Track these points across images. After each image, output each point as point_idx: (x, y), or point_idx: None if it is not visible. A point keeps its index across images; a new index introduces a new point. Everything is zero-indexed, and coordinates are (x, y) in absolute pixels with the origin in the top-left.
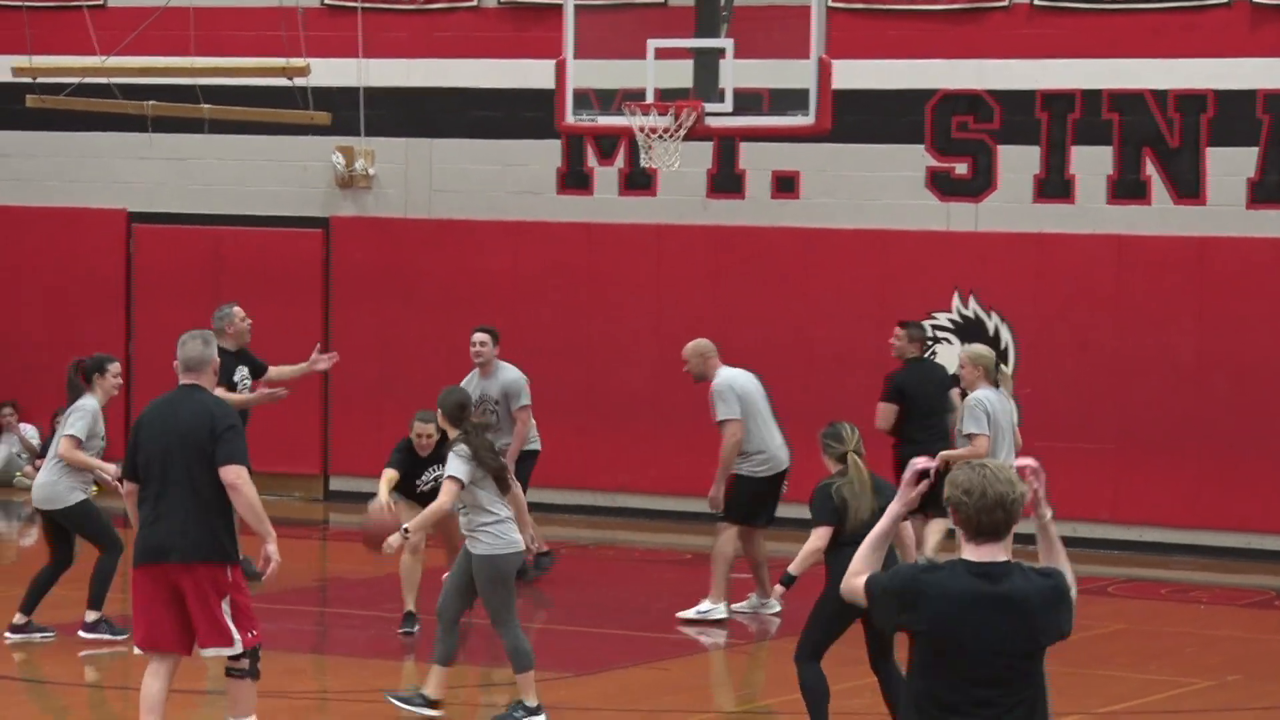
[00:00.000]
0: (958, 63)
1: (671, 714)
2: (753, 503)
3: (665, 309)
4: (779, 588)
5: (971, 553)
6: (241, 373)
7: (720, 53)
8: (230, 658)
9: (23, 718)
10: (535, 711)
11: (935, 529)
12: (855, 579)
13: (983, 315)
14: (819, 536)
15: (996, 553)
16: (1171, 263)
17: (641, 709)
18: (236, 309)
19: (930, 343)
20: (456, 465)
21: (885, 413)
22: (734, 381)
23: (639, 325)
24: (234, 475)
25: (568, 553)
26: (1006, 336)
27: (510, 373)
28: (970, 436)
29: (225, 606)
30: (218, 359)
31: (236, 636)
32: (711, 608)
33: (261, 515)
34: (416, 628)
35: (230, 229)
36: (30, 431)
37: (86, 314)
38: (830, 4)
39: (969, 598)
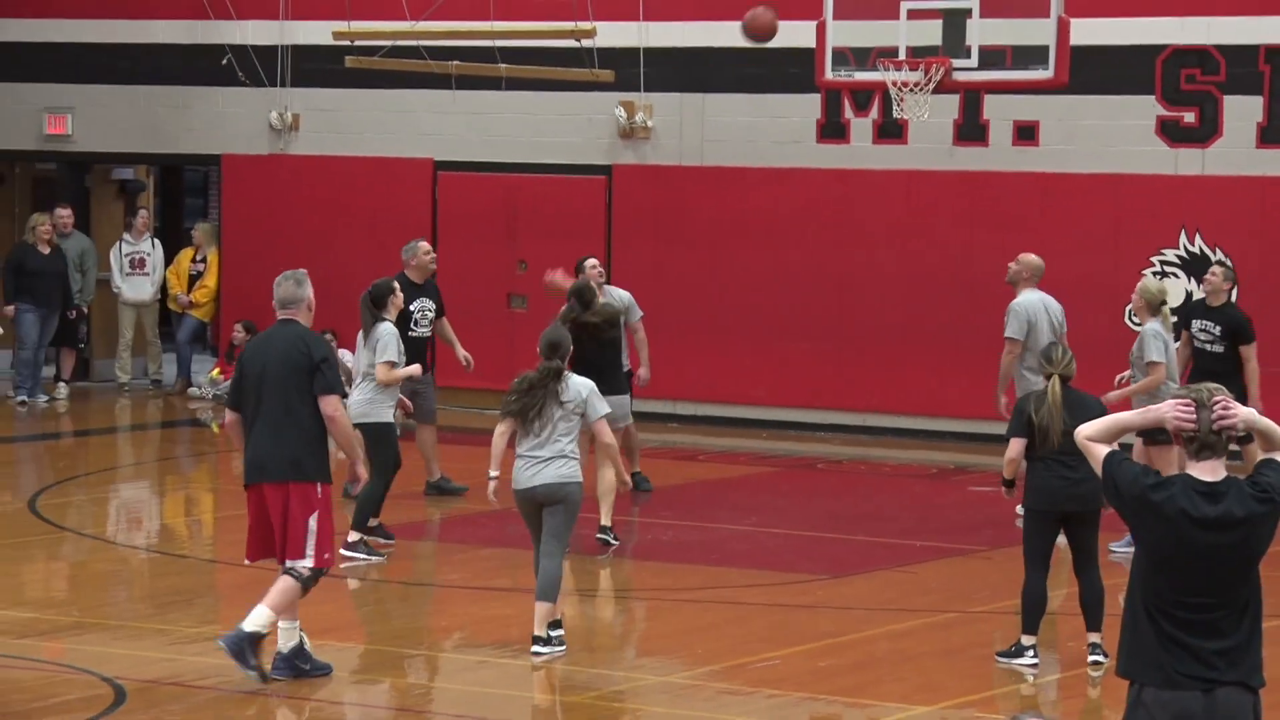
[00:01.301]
0: (1186, 20)
1: (920, 613)
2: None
3: (914, 248)
4: (1004, 491)
5: (1195, 469)
6: (423, 305)
7: (967, 12)
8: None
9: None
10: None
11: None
12: (1096, 447)
13: (1207, 251)
14: (1012, 447)
15: (1218, 469)
16: None
17: (892, 608)
18: (422, 244)
19: (1159, 275)
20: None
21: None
22: (1027, 304)
23: (890, 263)
24: (332, 407)
25: (824, 468)
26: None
27: (622, 291)
28: (1152, 364)
29: (313, 523)
30: (311, 296)
31: (311, 552)
32: None
33: (354, 442)
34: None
35: (523, 176)
36: (348, 357)
37: (397, 251)
38: None
39: (1192, 518)
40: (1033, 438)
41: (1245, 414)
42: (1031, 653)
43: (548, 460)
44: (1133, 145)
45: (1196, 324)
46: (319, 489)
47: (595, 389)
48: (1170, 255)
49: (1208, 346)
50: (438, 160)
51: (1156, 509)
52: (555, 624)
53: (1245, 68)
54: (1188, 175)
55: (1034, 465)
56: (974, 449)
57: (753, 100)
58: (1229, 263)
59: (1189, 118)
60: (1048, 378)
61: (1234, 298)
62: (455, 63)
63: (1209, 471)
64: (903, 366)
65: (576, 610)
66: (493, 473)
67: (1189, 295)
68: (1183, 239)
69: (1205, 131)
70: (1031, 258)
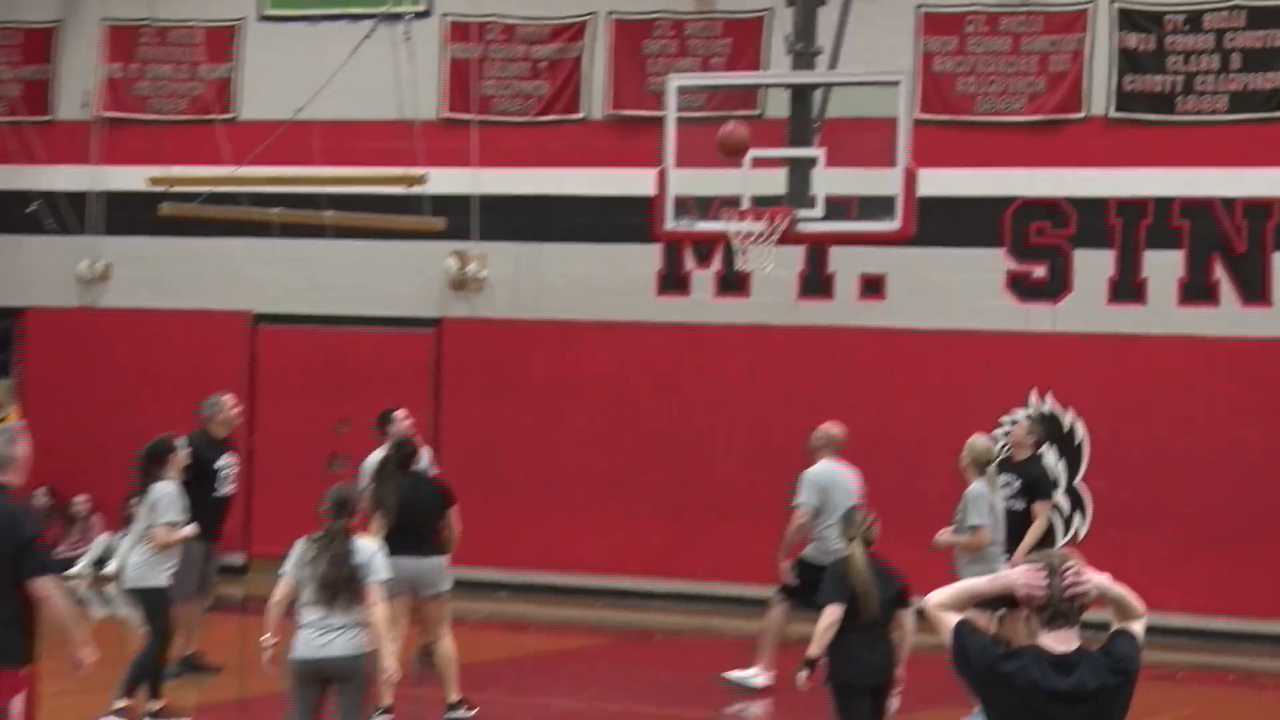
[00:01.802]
0: (1036, 172)
1: None
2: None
3: (758, 406)
4: (801, 673)
5: (1046, 639)
6: (228, 462)
7: (812, 162)
8: None
9: None
10: None
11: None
12: (945, 615)
13: (1058, 412)
14: (829, 614)
15: (1070, 639)
16: (1238, 363)
17: None
18: (226, 397)
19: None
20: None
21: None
22: (819, 474)
23: (733, 421)
24: (41, 589)
25: (662, 639)
26: (1081, 432)
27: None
28: (975, 528)
29: (14, 706)
30: (20, 455)
31: None
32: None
33: (70, 623)
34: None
35: (348, 330)
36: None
37: None
38: (916, 116)
39: (1043, 691)
40: (853, 605)
41: (1097, 581)
42: None
43: (339, 630)
44: (981, 300)
45: (999, 479)
46: (21, 671)
47: (380, 551)
48: (1020, 416)
49: (1008, 503)
50: (257, 313)
51: (1007, 680)
52: None
53: (1095, 221)
54: (1037, 332)
55: (847, 637)
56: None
57: (591, 250)
58: (1035, 416)
59: (1038, 272)
60: (849, 542)
61: (1040, 453)
62: (278, 210)
63: (1061, 641)
64: (745, 532)
65: None
66: (268, 639)
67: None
68: (1033, 398)
69: (1055, 287)
70: (827, 428)
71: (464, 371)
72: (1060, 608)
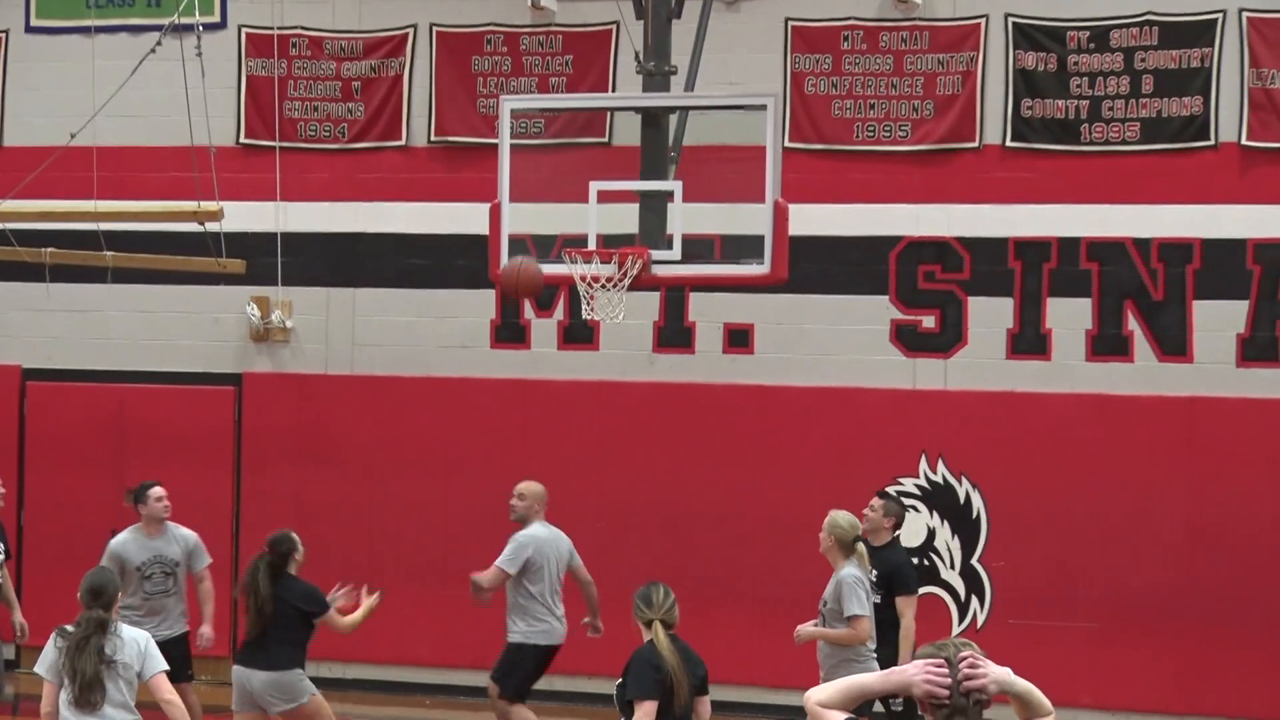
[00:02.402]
0: (924, 208)
1: None
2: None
3: (607, 472)
4: None
5: None
6: None
7: (668, 195)
8: None
9: None
10: None
11: None
12: (829, 715)
13: (952, 481)
14: (644, 711)
15: None
16: (1156, 424)
17: None
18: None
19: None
20: None
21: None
22: (534, 536)
23: (577, 488)
24: None
25: None
26: (978, 503)
27: (185, 530)
28: (854, 619)
29: None
30: None
31: None
32: None
33: None
34: None
35: (134, 386)
36: None
37: None
38: (787, 144)
39: None
40: (665, 699)
41: (997, 674)
42: None
43: None
44: (863, 354)
45: None
46: None
47: (152, 640)
48: (909, 484)
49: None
50: (26, 368)
51: None
52: None
53: (993, 264)
54: (927, 389)
55: None
56: None
57: (414, 297)
58: (889, 494)
59: (928, 322)
60: (647, 625)
61: (898, 537)
62: (49, 250)
63: None
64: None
65: None
66: None
67: (931, 533)
68: (923, 465)
69: (947, 338)
70: (535, 486)
71: (268, 434)
72: (959, 704)
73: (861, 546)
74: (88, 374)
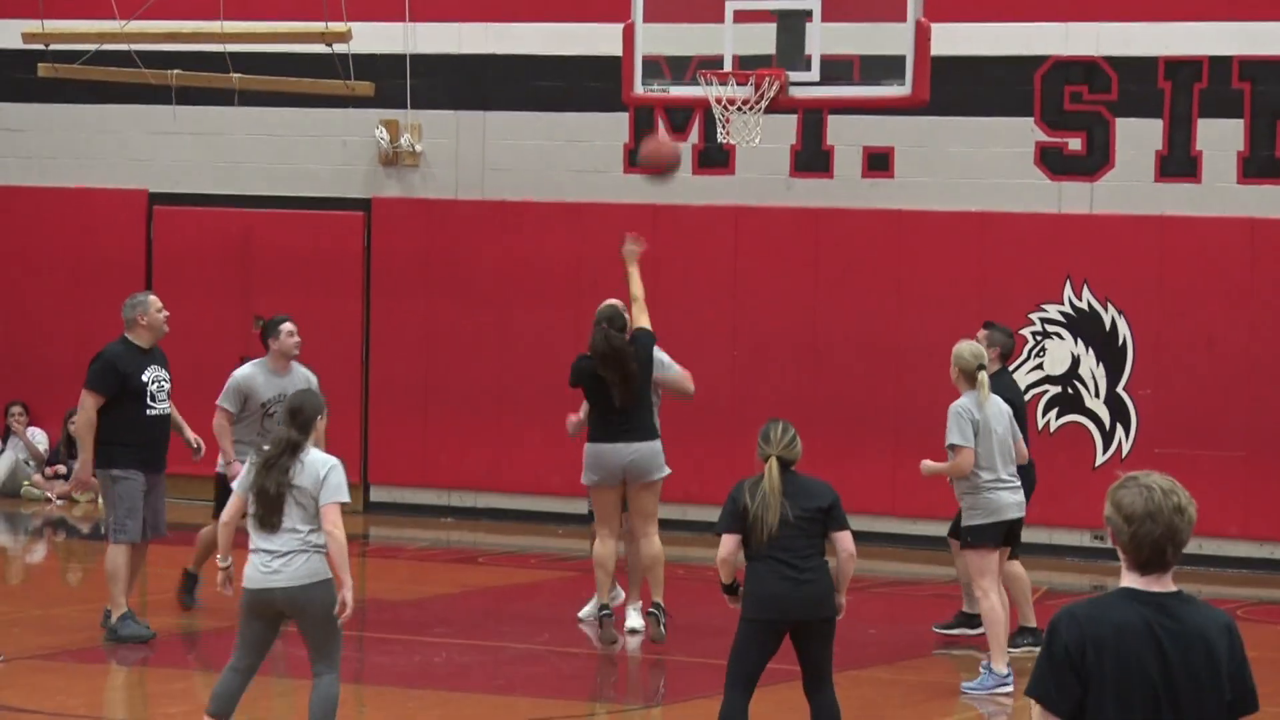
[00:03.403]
0: (1071, 26)
1: None
2: None
3: (743, 300)
4: (728, 598)
5: (1135, 581)
6: (157, 375)
7: (806, 15)
8: None
9: None
10: None
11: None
12: None
13: (1097, 307)
14: (723, 544)
15: (1165, 582)
16: None
17: None
18: (153, 297)
19: (1040, 338)
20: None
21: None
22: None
23: (714, 318)
24: None
25: None
26: (1124, 331)
27: (308, 370)
28: (953, 448)
29: None
30: None
31: None
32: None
33: None
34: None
35: (262, 211)
36: (39, 437)
37: (103, 305)
38: None
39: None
40: (748, 533)
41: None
42: None
43: (285, 556)
44: (1007, 177)
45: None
46: None
47: (339, 467)
48: (1053, 311)
49: None
50: (153, 192)
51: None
52: None
53: (1141, 84)
54: (1073, 214)
55: (751, 566)
56: None
57: (545, 120)
58: (993, 324)
59: (1074, 144)
60: (765, 460)
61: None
62: (176, 72)
63: (1155, 584)
64: (729, 446)
65: None
66: (221, 562)
67: (1075, 360)
68: (1068, 291)
69: (1094, 161)
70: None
71: (398, 261)
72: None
73: (983, 375)
74: (214, 198)
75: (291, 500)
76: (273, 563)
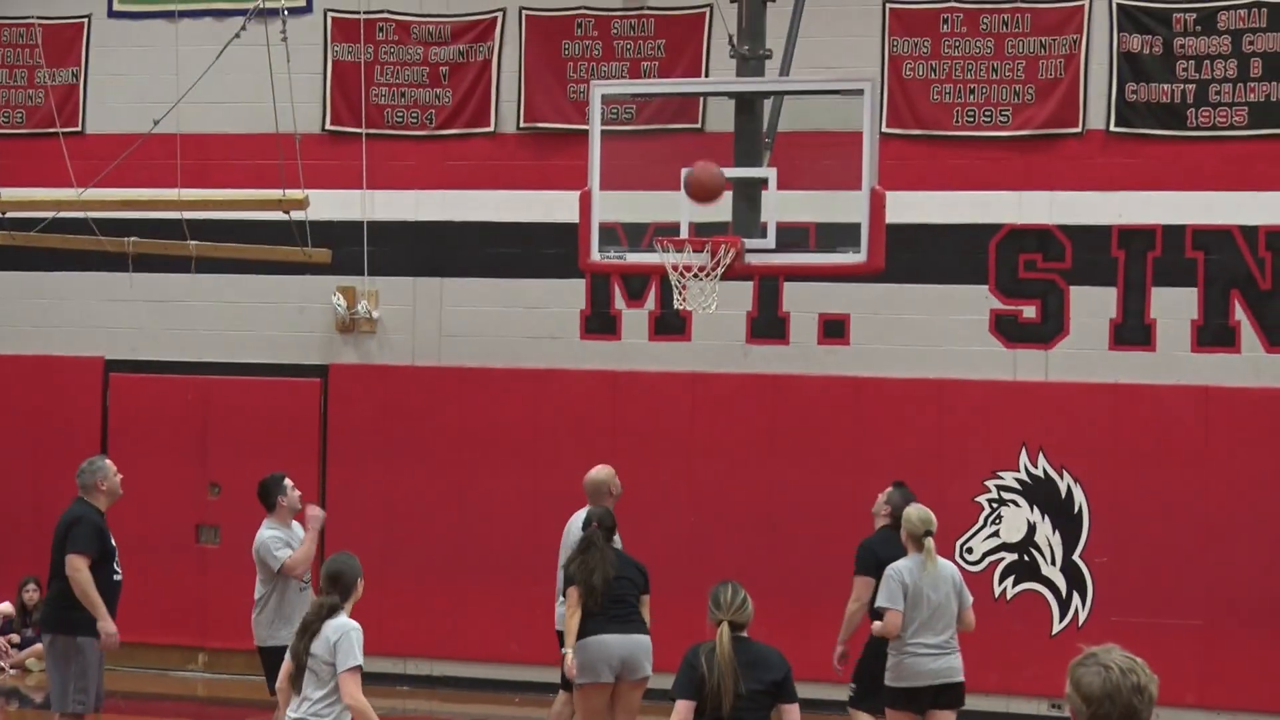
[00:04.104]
0: (1025, 194)
1: None
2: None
3: (699, 465)
4: None
5: None
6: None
7: (762, 183)
8: None
9: None
10: None
11: None
12: None
13: (1053, 475)
14: (676, 711)
15: None
16: (1264, 417)
17: None
18: (109, 463)
19: (996, 505)
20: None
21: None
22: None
23: (670, 483)
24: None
25: None
26: (1080, 498)
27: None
28: (881, 610)
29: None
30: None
31: None
32: None
33: None
34: None
35: (218, 378)
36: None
37: (59, 472)
38: (884, 129)
39: None
40: (703, 701)
41: None
42: None
43: None
44: (962, 345)
45: None
46: None
47: (353, 633)
48: (1009, 479)
49: None
50: (109, 359)
51: None
52: None
53: (1095, 253)
54: (1028, 381)
55: None
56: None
57: (502, 286)
58: (896, 484)
59: (1029, 312)
60: (717, 625)
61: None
62: (133, 239)
63: None
64: (686, 612)
65: None
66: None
67: (1031, 527)
68: (1023, 458)
69: (1049, 329)
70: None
71: (354, 428)
72: None
73: (929, 542)
74: (171, 365)
75: (309, 666)
76: None
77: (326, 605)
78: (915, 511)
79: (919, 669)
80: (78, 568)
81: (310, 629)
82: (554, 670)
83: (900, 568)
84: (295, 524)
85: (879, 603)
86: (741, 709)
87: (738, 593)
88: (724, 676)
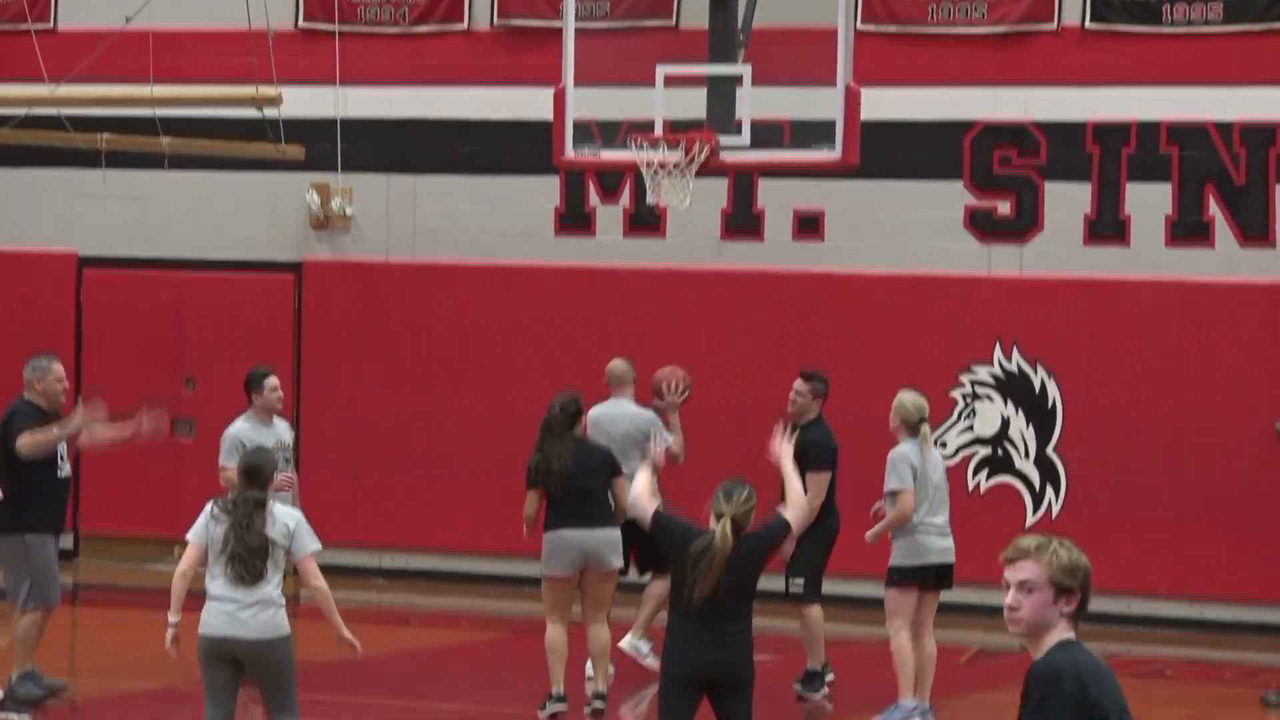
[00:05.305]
0: (1000, 90)
1: None
2: None
3: (673, 361)
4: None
5: (1071, 633)
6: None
7: (736, 79)
8: None
9: None
10: None
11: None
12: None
13: (1027, 369)
14: (643, 508)
15: None
16: (1238, 310)
17: None
18: (57, 365)
19: (970, 399)
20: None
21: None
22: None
23: (644, 379)
24: None
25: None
26: (1054, 392)
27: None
28: (894, 493)
29: None
30: None
31: None
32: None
33: None
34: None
35: (191, 274)
36: None
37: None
38: (859, 26)
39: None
40: (677, 579)
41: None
42: None
43: (251, 607)
44: (936, 240)
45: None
46: None
47: (304, 520)
48: (983, 373)
49: None
50: (83, 255)
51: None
52: None
53: (1070, 148)
54: (1003, 276)
55: (674, 622)
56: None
57: (476, 183)
58: (813, 371)
59: (1003, 207)
60: (718, 518)
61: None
62: (105, 135)
63: None
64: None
65: None
66: (172, 617)
67: (1005, 421)
68: (998, 352)
69: (1023, 224)
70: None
71: (328, 323)
72: None
73: (925, 428)
74: (144, 261)
75: (257, 554)
76: (240, 613)
77: (253, 499)
78: (910, 398)
79: (930, 547)
80: (24, 442)
81: (242, 523)
82: (526, 563)
83: (905, 451)
84: (277, 420)
85: (891, 485)
86: (716, 601)
87: (750, 496)
88: (707, 571)
